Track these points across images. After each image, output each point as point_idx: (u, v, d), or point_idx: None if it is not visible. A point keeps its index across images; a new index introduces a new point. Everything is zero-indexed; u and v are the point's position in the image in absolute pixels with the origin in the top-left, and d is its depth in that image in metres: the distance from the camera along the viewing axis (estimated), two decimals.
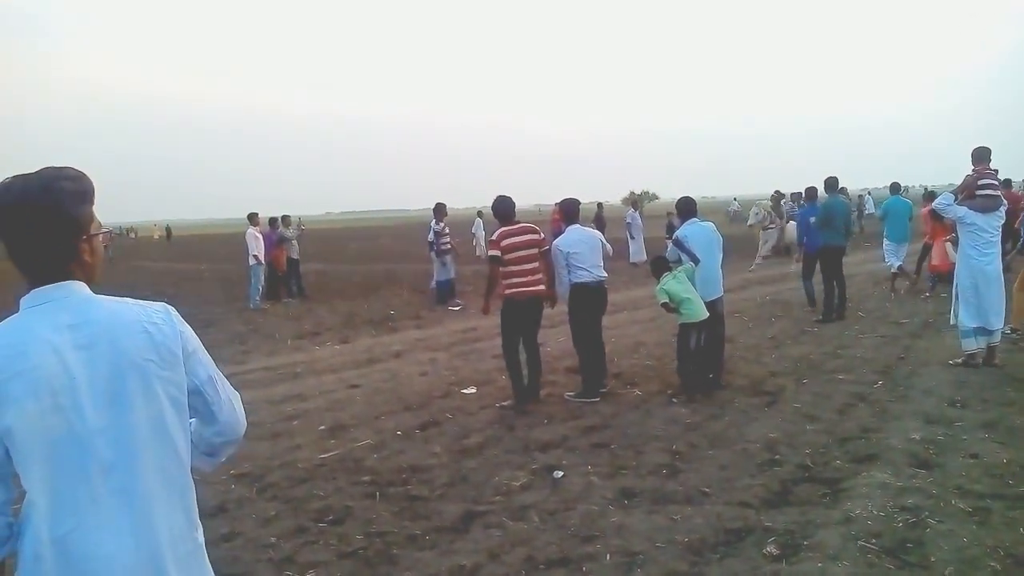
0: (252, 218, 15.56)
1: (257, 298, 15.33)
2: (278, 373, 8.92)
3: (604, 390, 7.00)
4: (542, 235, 6.97)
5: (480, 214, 27.26)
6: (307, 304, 15.60)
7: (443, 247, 15.34)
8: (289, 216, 16.99)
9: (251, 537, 4.28)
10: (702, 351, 6.87)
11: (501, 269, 6.72)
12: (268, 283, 15.86)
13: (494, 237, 6.76)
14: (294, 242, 16.50)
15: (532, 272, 6.74)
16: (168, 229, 74.09)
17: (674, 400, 6.71)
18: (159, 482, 1.68)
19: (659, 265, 7.13)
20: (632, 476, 4.97)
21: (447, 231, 15.68)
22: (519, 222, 6.96)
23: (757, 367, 7.82)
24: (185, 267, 31.21)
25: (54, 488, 1.59)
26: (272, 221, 16.43)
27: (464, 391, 7.52)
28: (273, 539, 4.24)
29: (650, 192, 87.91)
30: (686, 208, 7.47)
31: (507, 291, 6.71)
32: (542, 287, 6.82)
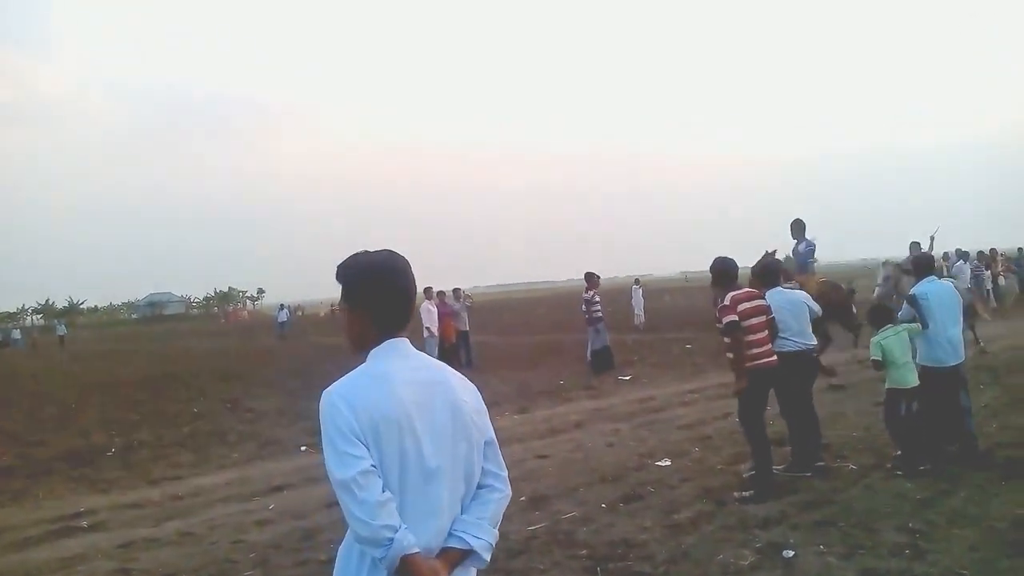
0: (427, 291, 16.17)
1: None
2: None
3: (821, 464, 6.49)
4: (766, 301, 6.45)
5: (638, 282, 27.06)
6: (478, 375, 15.86)
7: (595, 315, 15.31)
8: (460, 289, 17.51)
9: None
10: (932, 421, 6.34)
11: (747, 338, 6.07)
12: (439, 355, 16.31)
13: (727, 303, 6.10)
14: (463, 314, 16.94)
15: (766, 341, 6.19)
16: (333, 306, 78.20)
17: (897, 473, 6.21)
18: (459, 494, 2.11)
19: (881, 314, 6.59)
20: (871, 556, 4.60)
21: (597, 299, 15.64)
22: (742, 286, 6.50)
23: (980, 438, 7.14)
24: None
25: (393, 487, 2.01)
26: (440, 294, 16.97)
27: (658, 463, 7.31)
28: None
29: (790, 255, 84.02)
30: (924, 264, 6.97)
31: (753, 363, 6.08)
32: (775, 357, 6.25)
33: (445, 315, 16.48)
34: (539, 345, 22.15)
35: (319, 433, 6.91)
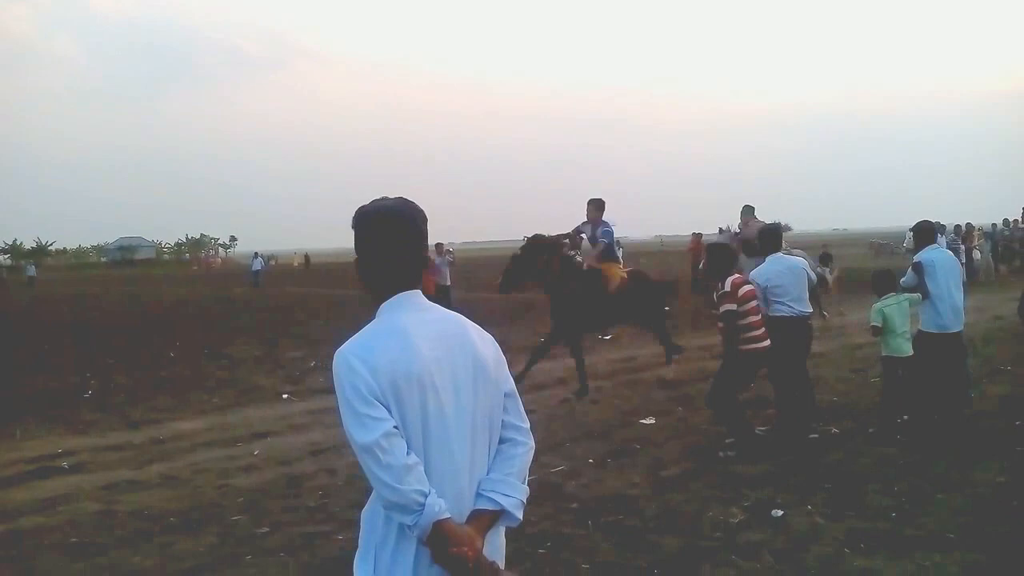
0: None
1: None
2: None
3: (814, 436, 6.43)
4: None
5: (618, 243, 26.99)
6: None
7: None
8: (442, 244, 17.35)
9: None
10: (929, 389, 6.42)
11: (739, 322, 6.02)
12: None
13: (728, 288, 5.99)
14: (445, 269, 16.83)
15: (762, 324, 6.13)
16: (307, 257, 77.58)
17: (898, 438, 6.30)
18: (483, 452, 2.00)
19: (885, 281, 6.55)
20: (858, 519, 4.66)
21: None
22: None
23: None
24: (328, 292, 32.47)
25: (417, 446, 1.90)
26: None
27: (643, 421, 7.36)
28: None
29: (783, 223, 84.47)
30: (927, 232, 6.96)
31: (747, 346, 6.01)
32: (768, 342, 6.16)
33: (430, 270, 16.35)
34: (517, 302, 22.12)
35: (300, 381, 6.97)
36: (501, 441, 2.05)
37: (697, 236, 23.43)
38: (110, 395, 9.84)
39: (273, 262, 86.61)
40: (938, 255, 6.68)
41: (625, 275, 9.69)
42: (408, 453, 1.84)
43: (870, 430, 6.54)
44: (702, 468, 5.79)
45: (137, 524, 5.07)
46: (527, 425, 2.10)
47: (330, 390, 7.04)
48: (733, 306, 5.99)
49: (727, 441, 6.28)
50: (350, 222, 2.06)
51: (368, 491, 1.95)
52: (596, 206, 9.65)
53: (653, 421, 7.33)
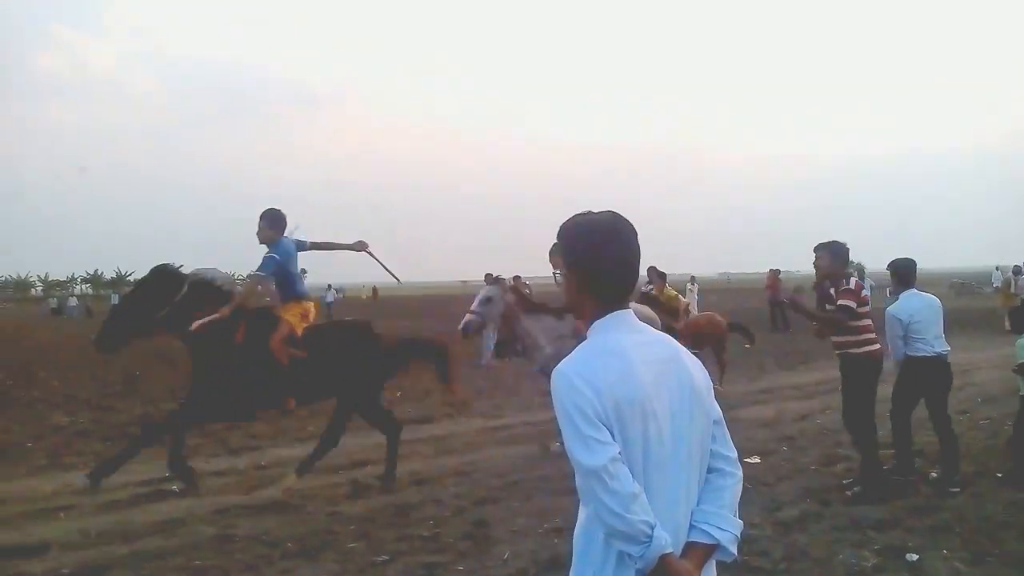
0: (487, 278, 16.07)
1: (489, 355, 15.75)
2: (540, 429, 8.96)
3: (956, 490, 5.95)
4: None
5: (693, 280, 26.68)
6: None
7: None
8: (520, 277, 17.39)
9: None
10: None
11: (853, 323, 5.87)
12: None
13: (851, 286, 5.90)
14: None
15: (872, 329, 6.00)
16: (375, 289, 78.74)
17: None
18: (696, 482, 1.95)
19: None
20: (1001, 564, 4.44)
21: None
22: None
23: None
24: (399, 324, 32.82)
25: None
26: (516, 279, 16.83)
27: (748, 460, 7.15)
28: None
29: (854, 262, 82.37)
30: None
31: (862, 348, 5.89)
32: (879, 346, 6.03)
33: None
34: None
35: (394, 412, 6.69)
36: (709, 471, 2.00)
37: (774, 272, 23.02)
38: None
39: (342, 295, 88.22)
40: None
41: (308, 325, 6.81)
42: (632, 480, 1.80)
43: (998, 475, 6.22)
44: (822, 510, 5.60)
45: (256, 549, 5.12)
46: (735, 455, 2.05)
47: (419, 420, 7.21)
48: (853, 303, 5.84)
49: (846, 482, 6.07)
50: (561, 234, 2.03)
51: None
52: (269, 220, 6.69)
53: (759, 460, 7.15)
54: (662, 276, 13.57)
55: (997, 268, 22.27)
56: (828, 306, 6.33)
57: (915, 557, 4.56)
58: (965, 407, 9.30)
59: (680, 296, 10.25)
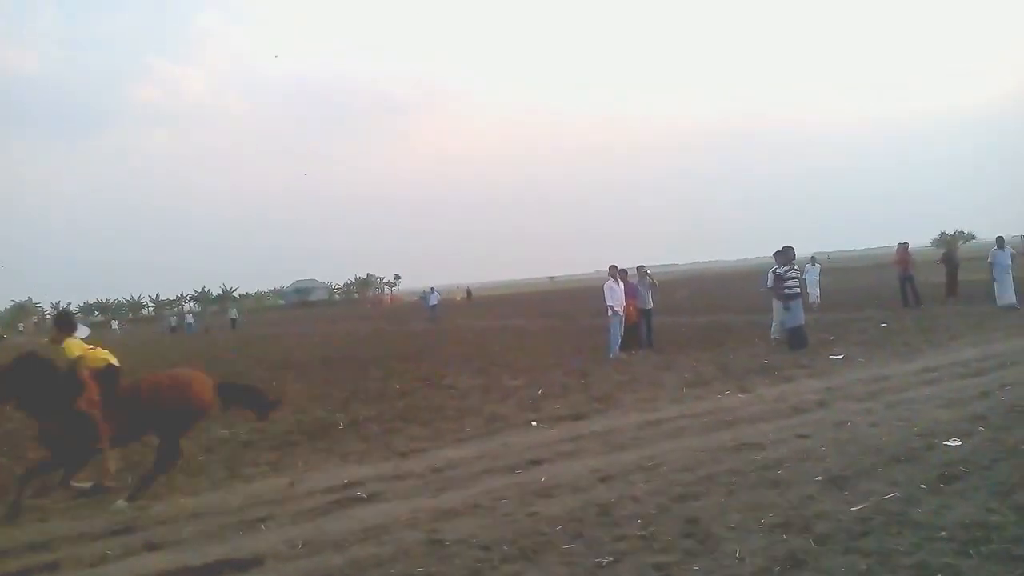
0: (611, 269, 16.00)
1: (617, 348, 15.59)
2: (703, 421, 8.73)
3: None
4: None
5: (814, 260, 25.77)
6: (663, 355, 15.49)
7: (789, 291, 14.70)
8: (643, 267, 17.15)
9: None
10: None
11: None
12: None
13: None
14: (647, 293, 16.61)
15: None
16: (469, 291, 79.66)
17: None
18: None
19: None
20: None
21: (793, 274, 15.01)
22: None
23: None
24: (499, 324, 32.90)
25: None
26: (623, 272, 16.66)
27: (947, 443, 6.75)
28: None
29: (965, 232, 78.37)
30: None
31: None
32: None
33: (629, 294, 16.19)
34: (710, 326, 21.51)
35: (537, 408, 6.80)
36: None
37: (903, 246, 21.97)
38: (361, 426, 10.23)
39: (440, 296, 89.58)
40: None
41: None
42: None
43: None
44: None
45: (473, 553, 5.08)
46: None
47: (572, 416, 7.06)
48: None
49: None
50: None
51: None
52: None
53: (959, 443, 6.72)
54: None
55: None
56: None
57: None
58: None
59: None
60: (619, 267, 16.24)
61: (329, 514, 6.40)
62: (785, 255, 15.18)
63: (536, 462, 7.45)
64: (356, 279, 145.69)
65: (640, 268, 16.92)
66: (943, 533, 4.61)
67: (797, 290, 14.83)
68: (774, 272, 15.92)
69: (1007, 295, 18.29)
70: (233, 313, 62.64)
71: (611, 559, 4.74)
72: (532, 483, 6.71)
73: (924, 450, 6.60)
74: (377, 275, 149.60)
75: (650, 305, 16.74)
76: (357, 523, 6.03)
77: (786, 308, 14.81)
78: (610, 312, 15.79)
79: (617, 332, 15.79)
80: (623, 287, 15.98)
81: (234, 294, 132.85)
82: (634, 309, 16.44)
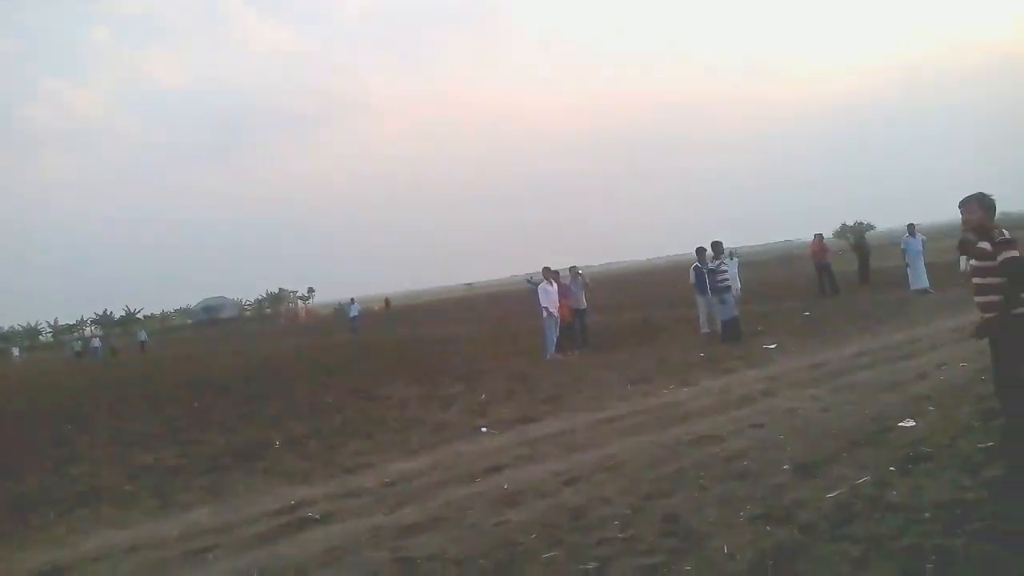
0: (545, 271, 15.88)
1: (552, 349, 15.48)
2: (655, 416, 8.65)
3: None
4: None
5: (732, 254, 26.20)
6: (599, 353, 15.46)
7: (721, 284, 14.93)
8: (576, 267, 17.08)
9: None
10: None
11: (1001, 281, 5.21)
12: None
13: (1007, 235, 5.27)
14: (580, 293, 16.57)
15: None
16: (387, 300, 78.70)
17: None
18: None
19: None
20: None
21: (725, 268, 15.25)
22: None
23: None
24: (424, 332, 32.49)
25: None
26: (556, 273, 16.56)
27: (902, 424, 6.83)
28: None
29: (864, 223, 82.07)
30: None
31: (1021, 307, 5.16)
32: None
33: (562, 294, 16.10)
34: (639, 323, 21.68)
35: (485, 414, 6.60)
36: None
37: (819, 237, 22.66)
38: (300, 444, 9.75)
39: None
40: None
41: None
42: None
43: None
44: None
45: (448, 570, 4.79)
46: None
47: (522, 420, 6.92)
48: (1015, 252, 5.16)
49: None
50: None
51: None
52: None
53: (913, 423, 6.80)
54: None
55: None
56: (973, 262, 5.77)
57: None
58: None
59: None
60: (552, 268, 16.15)
61: (282, 539, 5.99)
62: (716, 249, 15.38)
63: (494, 469, 7.19)
64: (268, 294, 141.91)
65: (572, 269, 16.88)
66: (926, 514, 4.58)
67: (728, 283, 15.03)
68: (697, 267, 16.15)
69: (920, 280, 19.04)
70: (142, 335, 60.02)
71: (596, 564, 4.53)
72: (494, 491, 6.45)
73: (882, 432, 6.65)
74: (290, 289, 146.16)
75: (584, 305, 16.70)
76: (315, 546, 5.66)
77: (722, 301, 14.98)
78: (545, 314, 15.67)
79: (552, 333, 15.68)
80: (556, 288, 15.88)
81: (138, 315, 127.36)
82: (568, 309, 16.36)
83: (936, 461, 5.62)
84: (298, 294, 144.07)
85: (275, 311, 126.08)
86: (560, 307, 16.03)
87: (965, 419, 6.69)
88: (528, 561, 4.76)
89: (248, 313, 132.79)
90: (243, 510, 7.01)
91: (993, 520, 4.36)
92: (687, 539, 4.74)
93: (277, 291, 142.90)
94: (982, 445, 5.74)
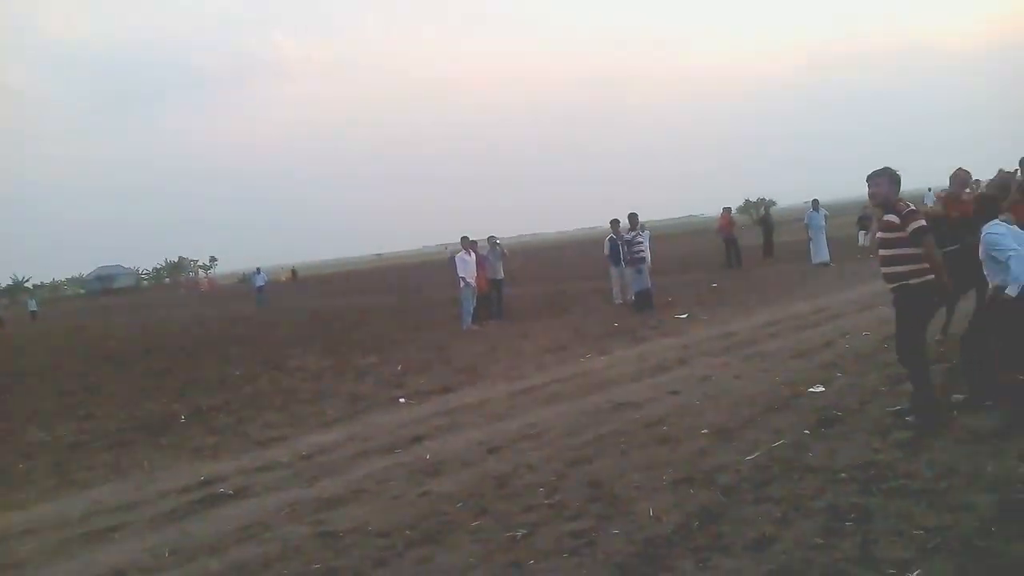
0: (463, 241, 15.76)
1: (470, 319, 15.41)
2: (573, 384, 8.71)
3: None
4: None
5: (643, 227, 26.69)
6: (515, 324, 15.48)
7: (638, 255, 15.18)
8: (494, 237, 16.96)
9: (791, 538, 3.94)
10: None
11: (909, 252, 5.46)
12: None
13: (913, 207, 5.55)
14: (497, 263, 16.51)
15: None
16: (294, 271, 76.87)
17: None
18: None
19: None
20: None
21: (640, 239, 15.50)
22: None
23: None
24: (333, 303, 31.90)
25: None
26: (473, 243, 16.41)
27: (812, 390, 7.06)
28: (819, 540, 3.88)
29: (767, 199, 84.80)
30: None
31: (922, 278, 5.45)
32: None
33: (479, 265, 16.01)
34: (553, 294, 21.85)
35: (401, 385, 6.61)
36: None
37: (727, 211, 23.26)
38: (209, 417, 9.40)
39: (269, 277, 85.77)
40: None
41: None
42: None
43: None
44: (931, 427, 5.49)
45: (372, 542, 4.66)
46: None
47: (439, 391, 6.93)
48: (924, 223, 5.41)
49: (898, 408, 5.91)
50: None
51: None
52: None
53: (823, 389, 7.04)
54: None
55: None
56: (881, 234, 5.94)
57: None
58: None
59: None
60: (470, 238, 16.02)
61: (192, 515, 5.74)
62: (632, 221, 15.59)
63: (415, 439, 7.09)
64: (167, 263, 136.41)
65: (491, 239, 16.77)
66: (842, 475, 4.73)
67: (644, 254, 15.26)
68: (612, 239, 16.38)
69: (822, 253, 19.82)
70: (32, 305, 56.75)
71: (524, 531, 4.50)
72: (416, 461, 6.35)
73: (793, 398, 6.86)
74: (191, 258, 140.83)
75: (501, 275, 16.65)
76: (229, 523, 5.44)
77: (638, 271, 15.20)
78: (462, 284, 15.57)
79: (469, 303, 15.60)
80: (475, 258, 15.78)
81: (27, 284, 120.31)
82: (485, 280, 16.30)
83: (848, 424, 5.82)
84: (199, 263, 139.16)
85: (174, 280, 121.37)
86: (478, 278, 15.95)
87: (872, 385, 6.95)
88: (455, 530, 4.69)
89: (146, 283, 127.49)
90: (149, 487, 6.69)
91: (906, 480, 4.54)
92: (612, 504, 4.77)
93: (176, 260, 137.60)
94: (891, 409, 5.98)
